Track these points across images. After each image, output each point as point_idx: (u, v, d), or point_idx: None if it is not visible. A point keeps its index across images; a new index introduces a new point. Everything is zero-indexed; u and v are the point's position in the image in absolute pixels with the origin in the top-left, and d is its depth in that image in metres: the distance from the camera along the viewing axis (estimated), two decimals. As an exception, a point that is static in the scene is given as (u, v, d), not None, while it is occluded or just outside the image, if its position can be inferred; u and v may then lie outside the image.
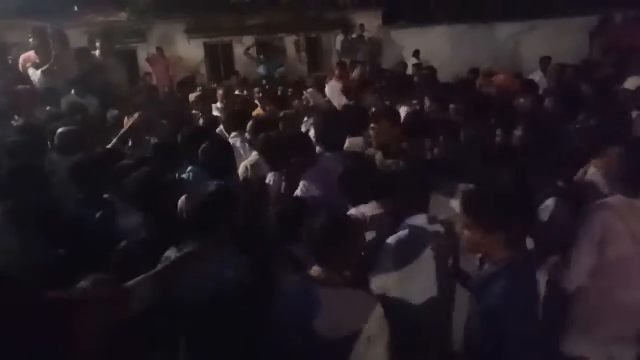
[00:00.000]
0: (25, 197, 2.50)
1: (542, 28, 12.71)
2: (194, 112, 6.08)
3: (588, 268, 2.32)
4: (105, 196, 2.94)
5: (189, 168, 3.41)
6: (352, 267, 2.13)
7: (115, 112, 5.24)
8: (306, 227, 2.08)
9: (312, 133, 4.05)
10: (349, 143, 3.62)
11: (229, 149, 3.44)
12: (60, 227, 2.48)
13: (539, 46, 11.99)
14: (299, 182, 3.16)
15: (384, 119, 3.52)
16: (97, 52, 6.74)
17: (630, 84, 5.39)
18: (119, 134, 4.22)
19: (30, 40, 6.36)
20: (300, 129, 4.99)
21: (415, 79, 7.44)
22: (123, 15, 13.01)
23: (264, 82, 7.98)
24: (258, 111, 5.91)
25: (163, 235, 2.37)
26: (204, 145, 3.21)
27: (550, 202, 2.60)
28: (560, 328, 2.45)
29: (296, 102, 6.15)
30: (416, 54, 11.90)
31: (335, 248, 1.99)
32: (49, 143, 4.03)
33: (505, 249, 1.97)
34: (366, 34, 13.34)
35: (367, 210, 2.56)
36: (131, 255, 2.19)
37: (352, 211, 2.59)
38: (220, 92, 7.56)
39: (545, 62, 7.82)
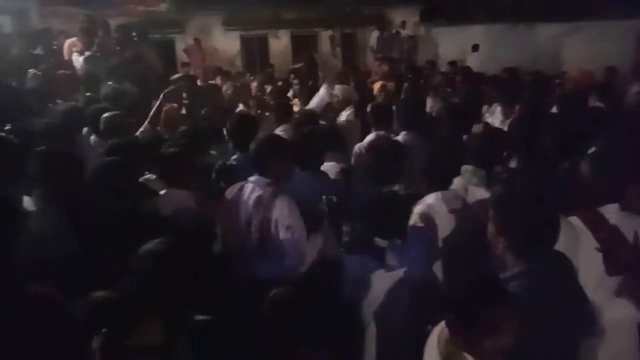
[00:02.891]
0: (57, 183, 2.44)
1: (585, 30, 12.31)
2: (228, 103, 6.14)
3: None
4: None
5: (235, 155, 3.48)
6: None
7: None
8: None
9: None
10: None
11: (254, 122, 3.51)
12: (93, 214, 2.46)
13: (581, 48, 11.64)
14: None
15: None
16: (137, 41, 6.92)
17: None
18: (150, 114, 4.27)
19: (81, 26, 6.57)
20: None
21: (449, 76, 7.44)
22: (162, 6, 13.24)
23: (292, 75, 7.98)
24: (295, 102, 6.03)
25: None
26: (230, 120, 3.28)
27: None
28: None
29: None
30: (475, 47, 11.66)
31: None
32: (86, 127, 4.13)
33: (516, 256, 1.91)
34: (403, 31, 13.21)
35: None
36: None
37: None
38: (253, 84, 7.65)
39: None
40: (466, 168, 2.91)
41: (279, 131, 4.34)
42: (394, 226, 2.46)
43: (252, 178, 2.80)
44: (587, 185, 2.41)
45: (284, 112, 4.73)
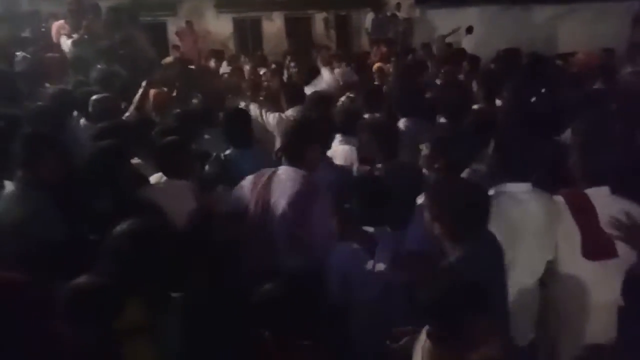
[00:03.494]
0: (39, 166, 2.40)
1: (581, 11, 12.24)
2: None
3: None
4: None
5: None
6: None
7: None
8: None
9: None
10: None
11: (248, 117, 3.45)
12: (81, 198, 2.43)
13: (577, 30, 11.59)
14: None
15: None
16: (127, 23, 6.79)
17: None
18: (134, 101, 4.17)
19: (68, 8, 6.45)
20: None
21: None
22: (154, -12, 13.01)
23: (289, 57, 7.85)
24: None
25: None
26: (224, 112, 3.28)
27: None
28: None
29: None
30: (469, 29, 11.54)
31: None
32: (75, 110, 4.07)
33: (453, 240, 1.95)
34: (398, 14, 13.07)
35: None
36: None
37: None
38: (247, 67, 7.56)
39: None
40: None
41: (289, 113, 4.24)
42: (376, 212, 2.27)
43: (283, 168, 2.55)
44: (576, 166, 2.38)
45: (295, 94, 4.53)
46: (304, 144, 2.53)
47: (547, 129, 3.26)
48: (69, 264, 1.87)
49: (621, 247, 2.23)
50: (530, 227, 2.25)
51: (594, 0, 12.14)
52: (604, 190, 2.32)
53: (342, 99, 5.17)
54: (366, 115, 4.24)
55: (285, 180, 2.49)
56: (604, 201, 2.28)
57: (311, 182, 2.51)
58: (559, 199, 2.35)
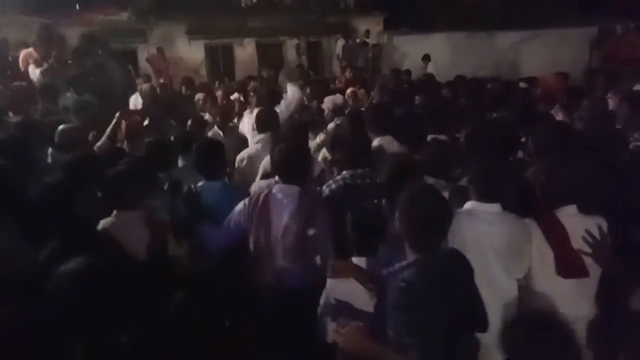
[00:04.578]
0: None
1: (543, 37, 12.75)
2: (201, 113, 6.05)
3: None
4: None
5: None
6: None
7: None
8: None
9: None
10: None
11: (222, 149, 3.37)
12: (46, 228, 2.38)
13: (539, 55, 12.04)
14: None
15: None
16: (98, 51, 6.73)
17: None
18: (107, 132, 4.11)
19: (36, 36, 6.35)
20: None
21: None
22: (124, 15, 13.01)
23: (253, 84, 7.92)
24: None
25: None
26: (196, 144, 3.22)
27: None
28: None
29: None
30: (425, 58, 11.81)
31: None
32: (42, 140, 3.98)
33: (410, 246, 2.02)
34: (368, 40, 13.38)
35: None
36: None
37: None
38: (219, 92, 7.58)
39: None
40: (427, 179, 2.92)
41: (260, 138, 4.12)
42: (371, 242, 2.35)
43: (277, 187, 2.76)
44: (544, 187, 2.47)
45: (266, 120, 4.33)
46: (299, 164, 2.79)
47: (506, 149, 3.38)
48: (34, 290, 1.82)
49: (591, 264, 2.35)
50: (495, 246, 2.33)
51: (555, 27, 12.68)
52: (572, 209, 2.42)
53: (331, 125, 5.15)
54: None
55: (282, 198, 2.71)
56: (572, 220, 2.39)
57: (308, 197, 2.74)
58: (531, 221, 2.44)
